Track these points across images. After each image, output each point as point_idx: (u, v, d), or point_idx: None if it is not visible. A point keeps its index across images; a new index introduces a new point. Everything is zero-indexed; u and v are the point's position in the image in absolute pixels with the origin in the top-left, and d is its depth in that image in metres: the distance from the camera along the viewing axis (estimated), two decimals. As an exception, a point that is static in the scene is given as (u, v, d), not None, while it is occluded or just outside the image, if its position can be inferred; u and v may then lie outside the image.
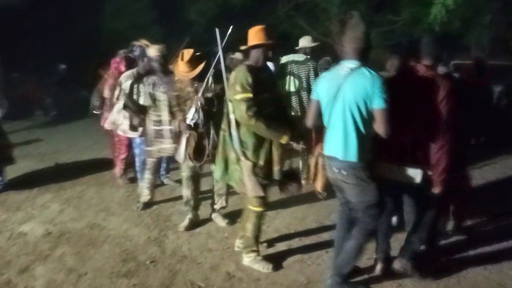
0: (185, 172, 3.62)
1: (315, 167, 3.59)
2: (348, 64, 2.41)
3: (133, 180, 4.84)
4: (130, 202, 4.40)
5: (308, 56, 4.74)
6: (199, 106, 3.32)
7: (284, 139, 2.78)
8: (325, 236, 3.51)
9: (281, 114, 2.99)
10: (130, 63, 4.47)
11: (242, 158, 2.85)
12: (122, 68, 4.49)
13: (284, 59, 4.84)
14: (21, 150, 6.71)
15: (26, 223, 3.88)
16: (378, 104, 2.32)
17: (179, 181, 4.27)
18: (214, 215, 3.83)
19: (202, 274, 3.01)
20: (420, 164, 2.56)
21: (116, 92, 4.24)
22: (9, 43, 10.01)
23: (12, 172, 5.28)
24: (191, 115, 3.34)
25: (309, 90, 4.51)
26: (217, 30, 2.96)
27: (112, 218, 3.99)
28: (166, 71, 3.79)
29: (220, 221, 3.78)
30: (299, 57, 4.72)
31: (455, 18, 8.50)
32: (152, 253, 3.31)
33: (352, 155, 2.41)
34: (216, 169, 3.09)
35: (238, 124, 2.83)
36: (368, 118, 2.38)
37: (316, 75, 4.63)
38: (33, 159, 6.13)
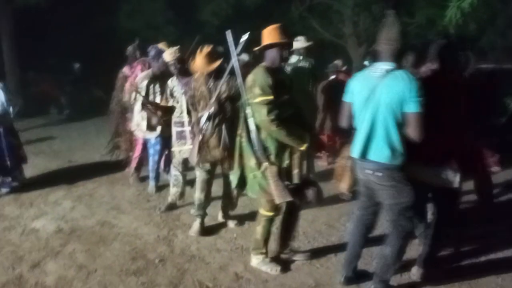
0: (200, 175, 3.58)
1: (341, 169, 3.45)
2: (383, 66, 2.39)
3: (144, 179, 4.88)
4: (140, 200, 4.44)
5: (301, 57, 4.74)
6: (212, 112, 3.28)
7: (303, 147, 2.72)
8: (334, 240, 3.49)
9: (298, 117, 2.89)
10: (147, 66, 4.55)
11: (266, 163, 2.74)
12: (139, 72, 4.54)
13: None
14: (35, 147, 6.86)
15: (38, 219, 3.94)
16: (413, 108, 2.30)
17: (190, 183, 4.27)
18: (224, 219, 3.81)
19: (210, 274, 3.01)
20: (450, 166, 2.56)
21: (133, 94, 4.32)
22: (25, 42, 10.22)
23: (25, 168, 5.37)
24: (205, 118, 3.31)
25: (303, 92, 4.42)
26: (228, 32, 2.88)
27: (122, 216, 4.02)
28: (184, 73, 3.78)
29: (230, 222, 3.77)
30: (293, 58, 4.74)
31: (470, 21, 8.37)
32: (161, 252, 3.32)
33: (388, 157, 2.39)
34: (233, 176, 3.02)
35: (258, 128, 2.74)
36: (403, 121, 2.36)
37: (312, 77, 4.74)
38: (47, 156, 6.22)
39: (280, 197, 2.73)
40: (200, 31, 12.24)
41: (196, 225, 3.61)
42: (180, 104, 3.84)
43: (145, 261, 3.18)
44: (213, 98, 3.28)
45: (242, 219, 3.81)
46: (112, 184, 4.96)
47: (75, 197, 4.54)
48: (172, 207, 4.11)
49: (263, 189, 2.79)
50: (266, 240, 3.03)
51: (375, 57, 2.57)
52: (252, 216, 3.93)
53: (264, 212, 2.92)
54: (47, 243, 3.48)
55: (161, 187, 4.66)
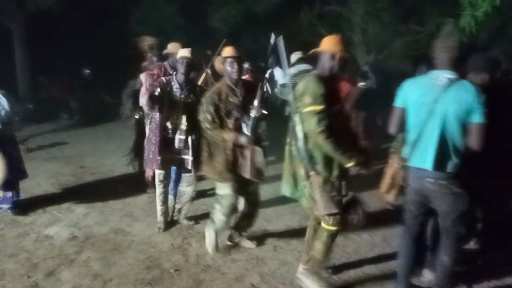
0: (227, 196, 3.20)
1: (391, 178, 3.19)
2: (445, 75, 2.38)
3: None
4: (153, 207, 4.37)
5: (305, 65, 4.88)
6: (256, 116, 3.10)
7: (350, 164, 2.58)
8: (350, 251, 3.44)
9: (347, 129, 2.78)
10: (164, 72, 4.50)
11: (312, 173, 2.64)
12: (157, 77, 4.50)
13: (293, 70, 4.96)
14: (47, 152, 6.88)
15: (52, 226, 3.93)
16: (478, 118, 2.31)
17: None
18: (239, 239, 3.55)
19: (226, 284, 2.98)
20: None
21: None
22: (37, 46, 10.31)
23: (38, 173, 5.40)
24: (248, 127, 3.12)
25: None
26: (280, 39, 2.79)
27: (135, 224, 4.00)
28: (188, 77, 3.67)
29: (248, 243, 3.54)
30: (306, 66, 4.88)
31: (482, 29, 8.33)
32: (176, 261, 3.29)
33: (453, 166, 2.40)
34: (285, 185, 2.86)
35: (306, 137, 2.65)
36: (465, 131, 2.37)
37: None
38: (58, 162, 6.24)
39: (325, 209, 2.62)
40: (209, 37, 12.36)
41: (211, 240, 3.37)
42: (177, 109, 3.61)
43: (160, 271, 3.15)
44: (256, 102, 3.08)
45: (259, 238, 3.73)
46: (124, 191, 4.93)
47: (88, 203, 4.52)
48: (168, 224, 3.91)
49: (311, 198, 2.68)
50: (326, 259, 2.87)
51: (430, 65, 2.53)
52: (264, 225, 3.91)
53: (327, 226, 2.72)
54: (61, 250, 3.46)
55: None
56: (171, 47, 4.43)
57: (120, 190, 4.94)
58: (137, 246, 3.54)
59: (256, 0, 10.77)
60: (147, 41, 4.75)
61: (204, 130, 3.18)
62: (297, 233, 3.76)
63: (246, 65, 6.73)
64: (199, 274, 3.11)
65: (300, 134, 2.65)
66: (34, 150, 6.88)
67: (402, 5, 10.10)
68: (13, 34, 9.43)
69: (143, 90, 4.60)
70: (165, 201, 3.88)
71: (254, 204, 3.40)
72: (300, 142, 2.65)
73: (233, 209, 3.27)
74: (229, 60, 3.12)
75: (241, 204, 3.39)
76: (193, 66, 3.73)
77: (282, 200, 4.50)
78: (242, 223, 3.49)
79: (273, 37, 2.96)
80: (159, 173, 3.77)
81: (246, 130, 3.13)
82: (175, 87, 3.62)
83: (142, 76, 5.16)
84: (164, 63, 4.53)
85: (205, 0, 11.57)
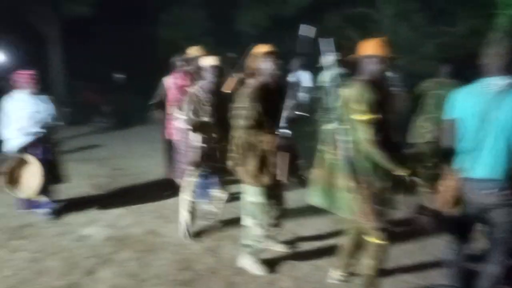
0: (260, 204, 3.10)
1: (449, 193, 2.94)
2: (498, 81, 2.33)
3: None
4: (185, 210, 4.50)
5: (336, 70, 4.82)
6: (286, 118, 2.96)
7: (403, 173, 2.48)
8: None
9: (389, 138, 2.61)
10: (193, 77, 4.55)
11: (359, 184, 2.52)
12: (185, 82, 4.51)
13: (328, 73, 4.88)
14: (82, 154, 7.14)
15: (89, 226, 4.07)
16: None
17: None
18: (272, 243, 3.51)
19: (259, 288, 3.00)
20: None
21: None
22: (71, 51, 10.71)
23: (74, 175, 5.59)
24: (281, 128, 2.98)
25: None
26: (330, 40, 2.71)
27: (168, 225, 4.09)
28: (217, 85, 3.64)
29: (280, 247, 3.54)
30: (342, 70, 4.81)
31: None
32: (208, 263, 3.35)
33: (507, 176, 2.33)
34: (317, 195, 2.76)
35: (354, 146, 2.53)
36: None
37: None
38: (93, 164, 6.46)
39: (372, 222, 2.52)
40: (236, 41, 12.48)
41: (256, 263, 3.22)
42: (210, 118, 3.60)
43: (194, 272, 3.22)
44: (290, 102, 2.97)
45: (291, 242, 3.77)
46: (156, 193, 5.06)
47: (122, 204, 4.66)
48: (189, 235, 3.80)
49: (357, 211, 2.56)
50: (377, 274, 2.75)
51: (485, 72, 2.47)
52: (295, 229, 3.92)
53: (376, 240, 2.59)
54: (99, 250, 3.59)
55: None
56: (193, 51, 4.48)
57: (153, 192, 5.07)
58: (171, 248, 3.62)
59: (283, 4, 10.81)
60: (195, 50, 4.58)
61: (239, 131, 3.01)
62: (329, 237, 3.76)
63: None
64: (232, 277, 3.15)
65: (347, 143, 2.54)
66: (70, 152, 7.15)
67: (432, 6, 9.88)
68: (49, 38, 9.81)
69: (171, 96, 4.62)
70: (192, 211, 3.77)
71: (282, 208, 3.30)
72: (348, 151, 2.54)
73: (268, 217, 3.14)
74: (266, 56, 3.00)
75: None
76: (221, 73, 3.70)
77: (311, 205, 4.51)
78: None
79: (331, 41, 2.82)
80: (189, 182, 3.74)
81: (279, 130, 3.02)
82: (203, 95, 3.61)
83: (166, 80, 5.26)
84: (188, 68, 4.59)
85: (233, 4, 11.73)
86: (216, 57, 3.62)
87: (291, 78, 7.44)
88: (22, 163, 4.02)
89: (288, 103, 2.98)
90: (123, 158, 6.93)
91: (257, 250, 3.19)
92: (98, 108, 10.40)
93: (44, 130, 4.14)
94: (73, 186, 5.19)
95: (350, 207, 2.60)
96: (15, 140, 4.03)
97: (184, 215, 3.78)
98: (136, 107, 10.39)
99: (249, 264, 3.22)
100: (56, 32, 9.79)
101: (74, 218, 4.28)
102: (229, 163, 3.17)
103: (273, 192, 3.16)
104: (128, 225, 4.12)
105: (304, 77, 7.39)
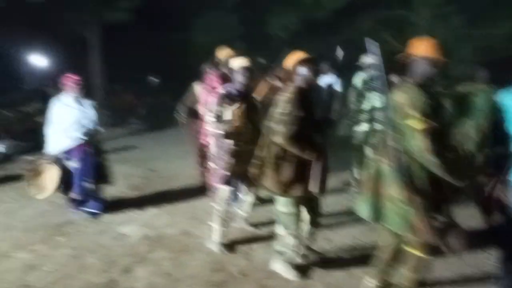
0: (291, 214, 3.07)
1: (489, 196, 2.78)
2: None
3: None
4: (217, 212, 4.56)
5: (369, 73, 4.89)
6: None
7: (461, 184, 2.39)
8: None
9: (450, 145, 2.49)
10: (225, 80, 4.59)
11: (412, 195, 2.38)
12: (216, 85, 4.51)
13: (364, 76, 4.97)
14: (119, 155, 7.36)
15: (127, 225, 4.20)
16: None
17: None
18: (305, 250, 3.41)
19: (291, 292, 3.00)
20: None
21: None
22: (109, 56, 11.11)
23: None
24: (316, 136, 2.99)
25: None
26: (376, 45, 2.58)
27: (202, 227, 4.15)
28: (248, 87, 3.62)
29: (315, 254, 3.49)
30: (377, 72, 4.80)
31: None
32: (241, 266, 3.38)
33: None
34: (362, 206, 2.63)
35: (407, 154, 2.40)
36: None
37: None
38: (130, 165, 6.66)
39: (424, 235, 2.39)
40: (268, 45, 12.53)
41: (289, 268, 3.19)
42: (242, 120, 3.55)
43: (227, 274, 3.26)
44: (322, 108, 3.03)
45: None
46: (190, 194, 5.16)
47: (158, 205, 4.79)
48: (229, 247, 3.69)
49: (407, 223, 2.43)
50: (415, 287, 2.65)
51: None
52: (329, 235, 3.88)
53: (416, 252, 2.50)
54: (135, 248, 3.70)
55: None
56: (223, 54, 4.51)
57: (185, 193, 5.18)
58: (204, 249, 3.68)
59: (316, 7, 10.76)
60: (224, 52, 4.61)
61: (274, 138, 2.91)
62: (363, 244, 3.71)
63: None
64: (264, 280, 3.17)
65: (398, 151, 2.41)
66: (107, 153, 7.39)
67: (472, 8, 9.55)
68: (90, 44, 10.23)
69: (203, 101, 4.67)
70: (225, 222, 3.67)
71: (317, 214, 3.25)
72: (399, 160, 2.41)
73: (303, 228, 3.12)
74: (303, 62, 2.98)
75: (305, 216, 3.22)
76: (252, 75, 3.66)
77: (347, 211, 4.46)
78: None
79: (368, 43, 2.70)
80: (223, 190, 3.62)
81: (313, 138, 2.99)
82: (236, 98, 3.56)
83: (196, 84, 5.33)
84: (219, 71, 4.62)
85: (265, 9, 11.80)
86: (247, 58, 3.60)
87: (320, 82, 7.43)
88: (44, 167, 4.24)
89: (321, 108, 2.97)
90: (157, 159, 7.11)
91: (290, 256, 3.16)
92: (134, 111, 10.72)
93: (87, 135, 4.27)
94: (112, 186, 5.36)
95: (399, 219, 2.47)
96: (58, 142, 4.19)
97: (216, 228, 3.66)
98: (169, 110, 10.63)
99: (282, 269, 3.21)
100: (97, 38, 10.20)
101: (112, 217, 4.43)
102: (253, 171, 3.11)
103: (307, 201, 3.10)
104: (163, 225, 4.22)
105: (331, 81, 7.32)
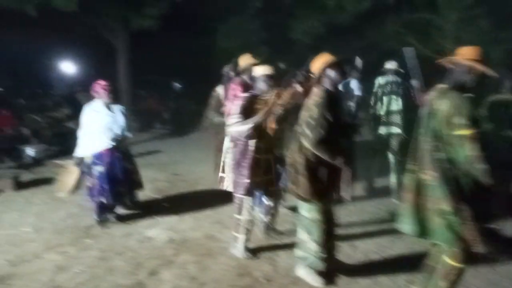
0: (316, 221, 3.01)
1: None
2: None
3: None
4: (241, 217, 4.58)
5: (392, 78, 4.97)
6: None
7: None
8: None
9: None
10: (246, 87, 4.57)
11: (458, 206, 2.32)
12: (237, 92, 4.41)
13: (382, 80, 5.03)
14: (144, 159, 7.51)
15: (152, 228, 4.27)
16: None
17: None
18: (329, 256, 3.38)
19: (316, 299, 2.98)
20: None
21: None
22: (136, 62, 11.36)
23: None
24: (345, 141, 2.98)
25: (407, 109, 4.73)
26: (412, 49, 2.64)
27: (226, 231, 4.17)
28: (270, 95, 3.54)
29: (339, 261, 3.43)
30: (395, 77, 4.96)
31: None
32: (265, 271, 3.38)
33: None
34: (405, 221, 2.55)
35: (452, 164, 2.34)
36: None
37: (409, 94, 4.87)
38: (155, 169, 6.77)
39: (474, 245, 2.33)
40: (291, 50, 12.54)
41: (314, 275, 3.15)
42: (265, 127, 3.48)
43: (251, 279, 3.26)
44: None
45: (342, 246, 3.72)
46: (213, 198, 5.19)
47: (182, 209, 4.84)
48: (253, 253, 3.67)
49: (458, 235, 2.36)
50: None
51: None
52: (354, 243, 3.83)
53: (453, 262, 2.44)
54: (161, 251, 3.75)
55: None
56: (245, 61, 4.51)
57: (210, 197, 5.21)
58: (228, 253, 3.69)
59: (339, 11, 10.70)
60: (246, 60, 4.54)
61: (303, 143, 2.88)
62: (389, 252, 3.66)
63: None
64: (289, 286, 3.16)
65: (443, 161, 2.35)
66: (134, 157, 7.55)
67: (500, 11, 9.30)
68: (118, 51, 10.50)
69: (227, 106, 4.68)
70: (248, 231, 3.64)
71: (334, 223, 3.18)
72: (444, 170, 2.34)
73: (325, 233, 3.02)
74: (332, 66, 2.92)
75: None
76: (274, 82, 3.61)
77: (371, 219, 4.41)
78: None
79: (406, 51, 2.78)
80: (246, 199, 3.59)
81: (341, 143, 2.95)
82: (256, 104, 3.52)
83: (219, 89, 5.37)
84: (243, 78, 4.61)
85: (288, 14, 11.82)
86: (269, 66, 3.58)
87: (341, 87, 7.38)
88: (69, 167, 4.47)
89: (347, 113, 2.94)
90: (181, 163, 7.21)
91: (314, 263, 3.12)
92: (159, 116, 10.91)
93: (116, 140, 4.31)
94: (139, 203, 5.42)
95: (447, 233, 2.38)
96: (87, 146, 4.25)
97: (240, 237, 3.63)
98: (192, 115, 10.78)
99: (306, 275, 3.19)
100: (124, 44, 10.46)
101: (139, 220, 4.51)
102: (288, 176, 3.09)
103: (329, 208, 3.06)
104: (187, 228, 4.27)
105: (354, 86, 7.25)
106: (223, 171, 5.30)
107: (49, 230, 4.28)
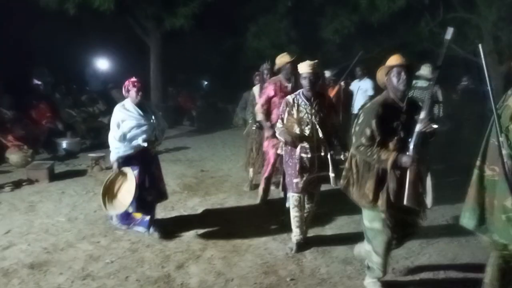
0: (377, 231, 2.79)
1: None
2: None
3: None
4: (267, 215, 4.59)
5: (430, 82, 4.81)
6: (418, 132, 2.59)
7: None
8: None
9: None
10: (280, 87, 4.46)
11: None
12: (271, 92, 4.49)
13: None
14: (173, 155, 7.67)
15: (180, 223, 4.34)
16: None
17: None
18: (392, 269, 3.31)
19: (342, 301, 2.95)
20: None
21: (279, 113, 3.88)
22: (167, 61, 11.58)
23: (166, 174, 5.97)
24: (411, 144, 2.61)
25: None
26: (480, 46, 2.40)
27: (251, 228, 4.19)
28: (315, 90, 3.54)
29: (401, 273, 3.33)
30: (422, 83, 4.97)
31: None
32: (291, 270, 3.37)
33: None
34: (467, 216, 2.46)
35: None
36: None
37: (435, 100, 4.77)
38: (183, 165, 6.89)
39: None
40: (320, 49, 12.41)
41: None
42: (311, 126, 3.48)
43: (277, 278, 3.26)
44: (423, 114, 2.59)
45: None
46: (240, 196, 5.24)
47: (209, 205, 4.91)
48: (301, 246, 3.71)
49: None
50: None
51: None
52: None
53: None
54: (188, 246, 3.81)
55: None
56: (280, 61, 4.44)
57: (237, 195, 5.27)
58: (254, 251, 3.71)
59: (371, 10, 10.50)
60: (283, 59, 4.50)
61: (355, 147, 2.73)
62: (419, 258, 3.56)
63: (328, 74, 6.59)
64: (314, 286, 3.14)
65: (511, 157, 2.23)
66: (162, 153, 7.72)
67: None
68: (151, 50, 10.74)
69: (258, 107, 4.68)
70: (300, 225, 3.68)
71: (409, 237, 2.96)
72: None
73: (389, 247, 2.81)
74: (396, 69, 2.66)
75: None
76: (318, 78, 3.56)
77: (441, 226, 4.29)
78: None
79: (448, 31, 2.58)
80: (293, 196, 3.63)
81: (408, 148, 2.62)
82: (303, 104, 3.52)
83: (255, 89, 5.39)
84: (279, 76, 4.56)
85: (318, 13, 11.70)
86: (312, 63, 3.44)
87: (354, 85, 7.23)
88: (120, 177, 3.87)
89: (423, 114, 2.59)
90: (208, 160, 7.30)
91: (377, 273, 2.94)
92: (188, 113, 11.09)
93: (148, 141, 3.86)
94: (166, 184, 5.53)
95: (508, 229, 2.29)
96: (121, 150, 3.82)
97: (294, 232, 3.70)
98: (220, 112, 10.91)
99: (370, 285, 3.04)
100: (157, 43, 10.69)
101: (167, 214, 4.60)
102: (342, 182, 2.94)
103: (401, 219, 2.79)
104: (214, 225, 4.31)
105: (367, 85, 7.10)
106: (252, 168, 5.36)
107: (82, 220, 4.43)
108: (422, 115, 2.57)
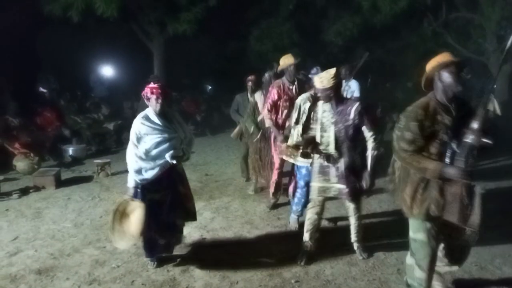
0: (421, 243, 2.58)
1: None
2: None
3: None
4: (271, 218, 4.60)
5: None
6: (469, 144, 2.34)
7: None
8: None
9: None
10: (284, 90, 4.49)
11: None
12: (275, 96, 4.48)
13: None
14: (177, 159, 7.68)
15: (185, 227, 4.34)
16: None
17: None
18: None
19: (347, 302, 2.94)
20: None
21: (294, 115, 3.78)
22: (170, 65, 11.64)
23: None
24: (461, 156, 2.36)
25: None
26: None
27: (256, 232, 4.21)
28: (340, 99, 3.40)
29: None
30: None
31: None
32: (296, 272, 3.37)
33: None
34: None
35: None
36: None
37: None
38: (187, 169, 6.75)
39: None
40: (323, 51, 12.41)
41: None
42: (328, 134, 3.41)
43: (282, 280, 3.26)
44: (477, 124, 2.31)
45: (374, 249, 3.67)
46: (244, 199, 5.25)
47: (214, 209, 4.93)
48: (310, 255, 3.58)
49: None
50: None
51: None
52: (386, 246, 3.75)
53: None
54: (193, 249, 3.83)
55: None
56: (284, 62, 4.44)
57: (241, 198, 5.28)
58: (259, 253, 3.72)
59: (374, 12, 10.51)
60: (287, 60, 4.48)
61: (395, 151, 2.57)
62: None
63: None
64: (319, 288, 3.14)
65: None
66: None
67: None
68: (154, 55, 10.82)
69: (266, 113, 4.63)
70: (312, 228, 3.59)
71: (457, 261, 2.77)
72: None
73: (433, 260, 2.60)
74: (449, 68, 2.40)
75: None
76: (340, 85, 3.42)
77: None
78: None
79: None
80: (313, 200, 3.58)
81: (456, 159, 2.37)
82: (322, 111, 3.42)
83: (257, 96, 5.37)
84: (281, 80, 4.55)
85: (321, 15, 11.73)
86: (334, 72, 3.27)
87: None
88: (129, 206, 3.22)
89: (476, 125, 2.31)
90: (213, 164, 7.33)
91: None
92: (192, 117, 11.12)
93: (176, 158, 3.27)
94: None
95: None
96: (142, 171, 3.20)
97: (304, 235, 3.64)
98: (223, 116, 10.93)
99: None
100: (160, 48, 10.76)
101: (171, 219, 4.62)
102: (390, 187, 2.82)
103: (449, 237, 2.62)
104: (219, 228, 4.33)
105: (354, 86, 7.05)
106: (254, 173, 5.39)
107: (88, 226, 4.46)
108: (476, 125, 2.30)
